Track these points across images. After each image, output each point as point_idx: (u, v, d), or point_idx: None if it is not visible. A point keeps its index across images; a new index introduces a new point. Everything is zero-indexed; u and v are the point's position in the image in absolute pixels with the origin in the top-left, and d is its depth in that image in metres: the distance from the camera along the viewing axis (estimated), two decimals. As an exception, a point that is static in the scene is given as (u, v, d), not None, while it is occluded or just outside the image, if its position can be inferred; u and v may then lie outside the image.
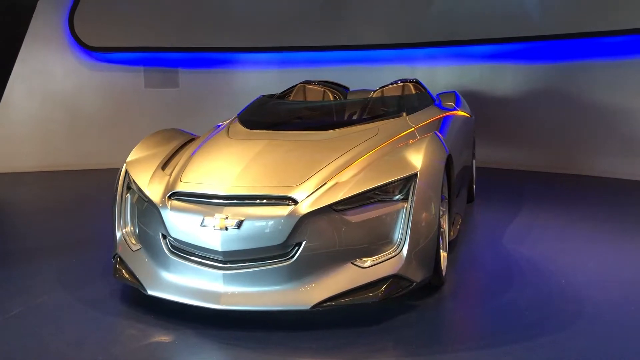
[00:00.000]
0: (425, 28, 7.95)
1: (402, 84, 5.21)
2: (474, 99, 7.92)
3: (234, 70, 8.66)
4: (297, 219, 2.86)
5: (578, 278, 3.60)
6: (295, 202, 2.92)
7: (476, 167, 5.95)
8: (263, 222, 2.87)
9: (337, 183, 3.06)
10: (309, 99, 5.09)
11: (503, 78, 7.90)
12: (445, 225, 3.70)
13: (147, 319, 3.04)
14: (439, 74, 8.11)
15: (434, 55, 8.13)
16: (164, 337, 2.87)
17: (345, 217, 2.95)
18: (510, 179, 7.15)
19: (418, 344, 2.78)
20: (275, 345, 2.75)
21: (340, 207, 2.96)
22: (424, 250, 3.11)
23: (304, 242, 2.88)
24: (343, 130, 3.78)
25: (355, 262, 2.98)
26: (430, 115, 4.49)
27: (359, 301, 2.91)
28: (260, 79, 8.55)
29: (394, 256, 3.02)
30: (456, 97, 5.72)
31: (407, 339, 2.83)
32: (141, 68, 8.38)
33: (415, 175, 3.13)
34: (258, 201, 2.95)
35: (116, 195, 3.51)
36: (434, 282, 3.34)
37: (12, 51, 7.84)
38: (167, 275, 3.08)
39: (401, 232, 3.05)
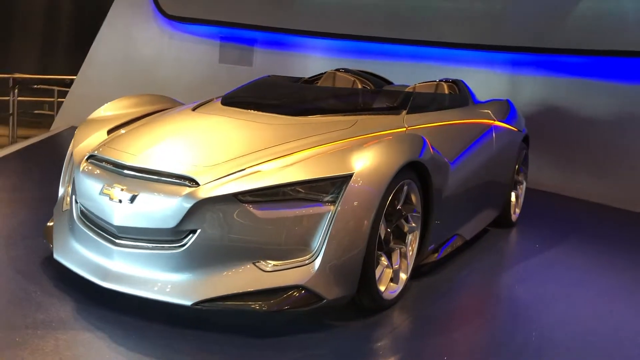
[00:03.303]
0: (510, 31, 7.17)
1: (436, 82, 4.67)
2: (557, 116, 7.07)
3: (308, 55, 8.40)
4: (192, 203, 2.54)
5: (555, 334, 2.94)
6: (196, 184, 2.61)
7: (530, 190, 5.23)
8: (156, 200, 2.59)
9: (258, 171, 2.69)
10: (336, 86, 4.72)
11: (595, 95, 6.92)
12: (414, 245, 3.20)
13: (49, 285, 2.89)
14: (520, 83, 7.30)
15: (518, 62, 7.32)
16: (49, 307, 2.70)
17: (252, 210, 2.58)
18: (579, 211, 6.26)
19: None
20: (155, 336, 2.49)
21: (250, 199, 2.60)
22: (345, 265, 2.66)
23: (198, 231, 2.57)
24: (317, 118, 3.39)
25: (257, 263, 2.61)
26: (443, 119, 3.95)
27: (248, 308, 2.54)
28: (332, 67, 8.22)
29: (304, 265, 2.61)
30: (509, 107, 5.05)
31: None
32: (218, 42, 8.40)
33: (349, 177, 2.68)
34: (156, 177, 2.68)
35: (67, 152, 3.42)
36: (367, 305, 2.89)
37: (100, 14, 8.22)
38: (72, 242, 2.92)
39: (321, 240, 2.63)
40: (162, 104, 3.91)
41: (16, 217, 3.98)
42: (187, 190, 2.58)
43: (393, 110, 3.69)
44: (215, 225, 2.57)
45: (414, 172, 3.08)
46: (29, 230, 3.64)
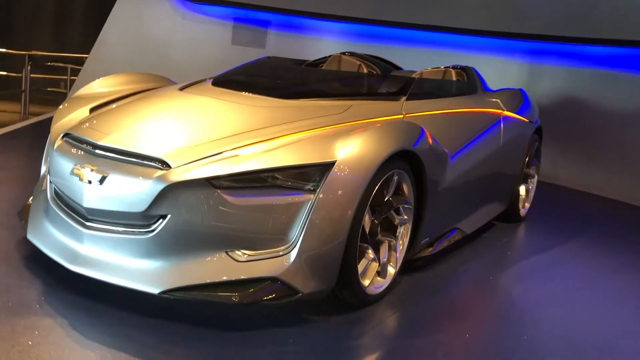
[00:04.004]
0: (531, 18, 6.88)
1: (443, 68, 4.46)
2: (577, 108, 6.79)
3: (322, 38, 8.21)
4: (162, 187, 2.40)
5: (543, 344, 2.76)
6: (168, 166, 2.47)
7: (544, 184, 5.00)
8: (125, 182, 2.46)
9: (236, 156, 2.54)
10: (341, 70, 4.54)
11: (619, 88, 6.62)
12: (405, 238, 3.03)
13: (19, 267, 2.79)
14: (539, 73, 7.02)
15: (538, 51, 7.03)
16: (13, 290, 2.60)
17: (226, 196, 2.43)
18: (594, 207, 6.01)
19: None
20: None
21: (224, 184, 2.45)
22: (324, 257, 2.50)
23: (169, 216, 2.43)
24: (309, 101, 3.21)
25: (230, 253, 2.46)
26: (446, 107, 3.75)
27: (217, 299, 2.40)
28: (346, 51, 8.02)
29: (279, 256, 2.47)
30: (522, 97, 4.82)
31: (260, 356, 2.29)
32: (231, 23, 8.25)
33: (331, 165, 2.52)
34: (127, 158, 2.54)
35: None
36: (349, 300, 2.73)
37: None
38: (46, 222, 2.81)
39: (299, 230, 2.48)
40: (154, 83, 3.78)
41: (11, 193, 3.91)
42: (158, 173, 2.44)
43: (392, 96, 3.50)
44: (187, 211, 2.42)
45: (406, 162, 2.90)
46: (16, 208, 3.55)
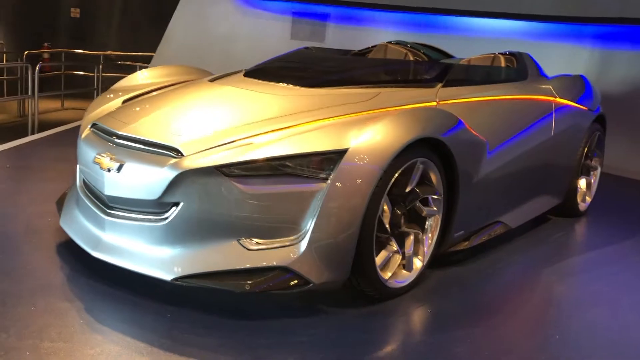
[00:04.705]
0: (601, 1, 6.44)
1: (493, 55, 4.26)
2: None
3: (381, 30, 8.07)
4: (174, 174, 2.41)
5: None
6: (181, 155, 2.48)
7: (613, 177, 4.66)
8: (140, 170, 2.50)
9: (249, 144, 2.52)
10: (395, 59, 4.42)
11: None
12: (435, 231, 2.91)
13: (52, 252, 2.91)
14: (610, 59, 6.57)
15: (608, 36, 6.58)
16: (40, 275, 2.71)
17: (238, 184, 2.41)
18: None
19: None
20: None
21: (236, 172, 2.43)
22: (336, 247, 2.44)
23: (181, 204, 2.45)
24: (336, 89, 3.14)
25: (241, 241, 2.45)
26: (488, 94, 3.56)
27: (227, 287, 2.39)
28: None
29: (290, 245, 2.42)
30: (581, 84, 4.52)
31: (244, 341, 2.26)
32: (290, 18, 8.28)
33: (343, 152, 2.44)
34: (142, 146, 2.58)
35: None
36: (368, 292, 2.65)
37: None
38: (75, 210, 2.91)
39: (310, 219, 2.42)
40: (195, 76, 3.83)
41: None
42: (171, 160, 2.46)
43: (427, 82, 3.38)
44: (199, 199, 2.43)
45: (433, 151, 2.78)
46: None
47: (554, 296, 3.08)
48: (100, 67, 8.91)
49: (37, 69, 7.64)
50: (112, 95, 3.38)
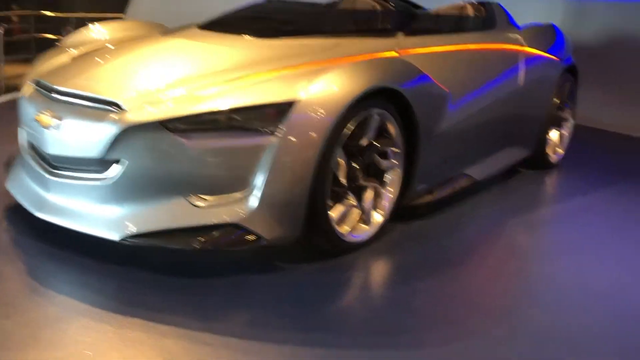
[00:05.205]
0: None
1: (461, 4, 4.12)
2: (629, 47, 6.22)
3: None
4: (115, 130, 2.31)
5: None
6: (122, 109, 2.37)
7: (588, 129, 4.57)
8: (79, 127, 2.39)
9: (194, 97, 2.40)
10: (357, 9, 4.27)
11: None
12: (395, 184, 2.84)
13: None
14: (587, 11, 6.44)
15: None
16: None
17: (182, 139, 2.30)
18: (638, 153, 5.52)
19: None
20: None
21: (180, 127, 2.32)
22: (287, 202, 2.36)
23: (125, 161, 2.35)
24: (292, 40, 3.02)
25: (189, 198, 2.36)
26: (449, 43, 3.45)
27: (177, 246, 2.32)
28: None
29: (239, 201, 2.34)
30: (552, 33, 4.42)
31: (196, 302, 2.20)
32: None
33: (292, 104, 2.34)
34: (82, 102, 2.46)
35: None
36: (324, 247, 2.59)
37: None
38: (21, 171, 2.80)
39: (260, 174, 2.34)
40: (150, 31, 3.66)
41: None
42: (111, 116, 2.35)
43: (388, 32, 3.26)
44: (142, 156, 2.33)
45: (390, 102, 2.68)
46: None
47: (519, 248, 3.04)
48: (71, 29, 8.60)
49: (1, 31, 7.36)
50: (59, 51, 3.23)
